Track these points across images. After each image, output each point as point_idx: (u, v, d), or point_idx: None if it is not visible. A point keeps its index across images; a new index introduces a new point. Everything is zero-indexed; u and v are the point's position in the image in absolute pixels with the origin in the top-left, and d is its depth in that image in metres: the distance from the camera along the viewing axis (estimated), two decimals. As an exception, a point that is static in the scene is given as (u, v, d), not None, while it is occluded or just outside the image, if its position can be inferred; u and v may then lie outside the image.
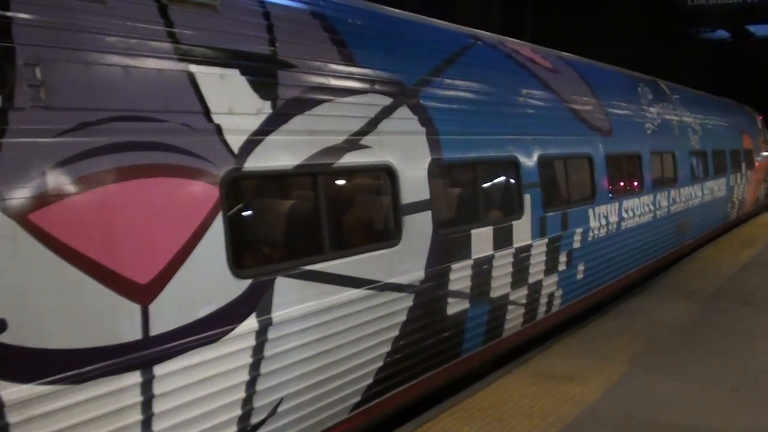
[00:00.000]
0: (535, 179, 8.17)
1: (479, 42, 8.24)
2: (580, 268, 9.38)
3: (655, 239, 12.52)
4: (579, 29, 22.10)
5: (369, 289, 5.68)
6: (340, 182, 6.30)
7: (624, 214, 10.78)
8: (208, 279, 4.40)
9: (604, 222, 9.99)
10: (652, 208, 12.17)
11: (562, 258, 8.84)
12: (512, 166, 7.91)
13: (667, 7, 22.03)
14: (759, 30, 33.96)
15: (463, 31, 8.26)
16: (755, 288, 11.01)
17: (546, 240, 8.33)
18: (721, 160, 17.60)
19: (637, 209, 11.43)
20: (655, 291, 11.06)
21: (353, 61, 5.85)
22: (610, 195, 10.28)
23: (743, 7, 20.51)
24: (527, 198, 7.99)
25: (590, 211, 9.61)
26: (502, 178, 8.16)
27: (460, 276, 6.82)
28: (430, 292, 6.41)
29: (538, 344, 8.33)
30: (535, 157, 8.20)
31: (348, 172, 5.93)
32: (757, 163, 22.61)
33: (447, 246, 6.63)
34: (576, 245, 9.16)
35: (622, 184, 11.25)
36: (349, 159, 5.59)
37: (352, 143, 5.63)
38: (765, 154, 24.72)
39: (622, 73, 13.13)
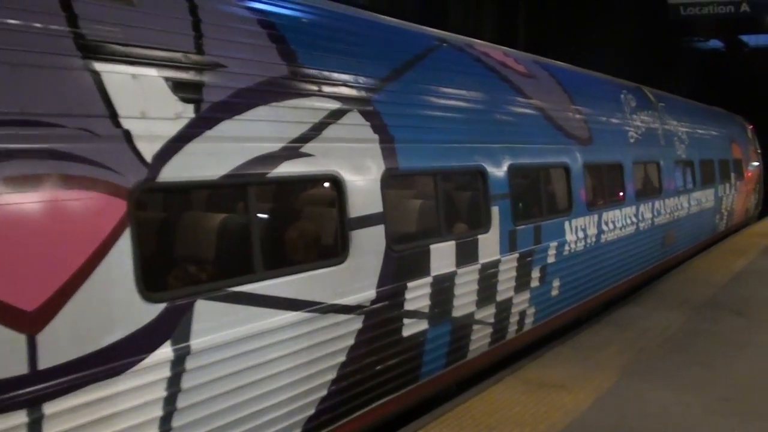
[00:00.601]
0: (505, 190, 7.69)
1: (445, 44, 7.79)
2: (555, 284, 8.93)
3: (639, 252, 12.14)
4: (572, 38, 22.19)
5: (309, 311, 5.18)
6: (276, 194, 5.95)
7: (604, 227, 10.38)
8: (111, 304, 3.89)
9: (581, 235, 9.58)
10: (634, 220, 11.74)
11: (535, 273, 8.39)
12: (478, 176, 7.45)
13: (660, 16, 22.11)
14: (752, 40, 34.19)
15: (427, 32, 7.81)
16: (747, 297, 11.04)
17: (516, 255, 7.89)
18: (709, 170, 17.23)
19: (619, 221, 11.02)
20: (646, 300, 11.08)
21: (295, 60, 5.37)
22: (589, 207, 9.89)
23: (736, 17, 20.60)
24: (495, 210, 7.52)
25: (566, 224, 9.18)
26: (466, 189, 7.79)
27: (417, 295, 6.35)
28: (382, 313, 5.92)
29: (528, 353, 8.34)
30: (504, 167, 7.73)
31: (285, 182, 5.42)
32: (747, 174, 22.36)
33: (402, 263, 6.14)
34: (550, 260, 8.71)
35: (602, 195, 10.81)
36: (287, 168, 5.08)
37: (291, 151, 5.13)
38: (755, 164, 24.35)
39: (604, 80, 12.73)
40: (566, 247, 9.11)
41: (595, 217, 10.07)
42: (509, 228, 7.73)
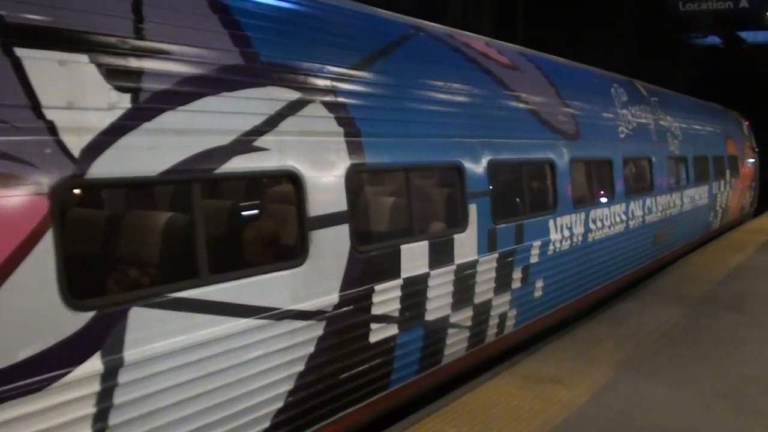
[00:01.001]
0: (484, 187, 7.34)
1: (421, 33, 7.37)
2: (539, 284, 8.54)
3: (629, 251, 11.75)
4: (571, 35, 22.18)
5: (263, 318, 4.80)
6: (225, 191, 5.67)
7: (591, 225, 9.98)
8: (29, 312, 3.53)
9: (567, 234, 9.20)
10: (624, 218, 11.34)
11: (517, 274, 8.01)
12: (455, 173, 7.07)
13: (659, 12, 22.10)
14: (750, 36, 34.18)
15: (402, 20, 7.36)
16: (744, 293, 11.06)
17: (496, 255, 7.52)
18: (702, 166, 16.84)
19: (607, 219, 10.59)
20: (643, 296, 11.10)
21: (249, 47, 5.00)
22: (576, 204, 9.52)
23: (734, 13, 20.57)
24: (473, 208, 7.15)
25: (551, 223, 8.80)
26: (441, 187, 7.49)
27: (386, 298, 5.95)
28: (346, 319, 5.53)
29: (525, 348, 8.35)
30: (483, 163, 7.37)
31: (235, 179, 5.11)
32: (742, 170, 21.87)
33: (369, 265, 5.75)
34: (533, 260, 8.33)
35: (589, 192, 10.48)
36: (238, 163, 4.70)
37: (243, 144, 4.75)
38: (751, 160, 23.90)
39: (593, 73, 12.16)
40: (551, 247, 8.75)
41: (582, 215, 9.71)
42: (489, 227, 7.39)
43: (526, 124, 8.59)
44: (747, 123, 24.36)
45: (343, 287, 5.49)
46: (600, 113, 11.11)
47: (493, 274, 7.55)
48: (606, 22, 24.97)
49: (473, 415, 6.12)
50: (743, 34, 33.54)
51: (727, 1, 19.03)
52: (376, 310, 5.84)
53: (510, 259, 7.85)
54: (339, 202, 5.47)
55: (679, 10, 19.82)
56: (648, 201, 12.59)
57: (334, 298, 5.41)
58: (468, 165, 7.14)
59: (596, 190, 10.60)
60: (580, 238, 9.63)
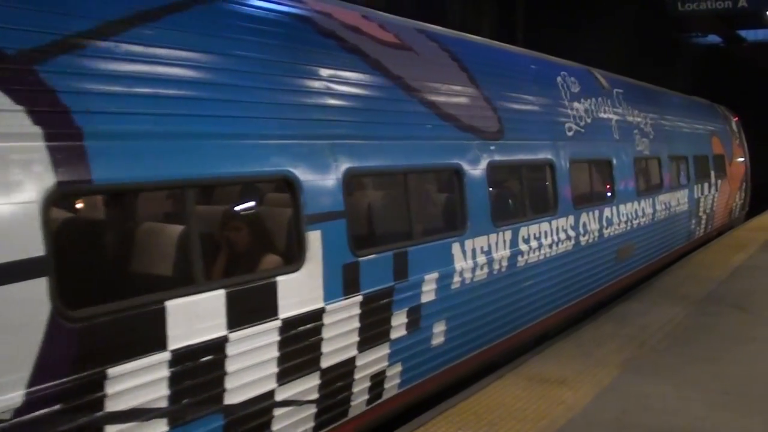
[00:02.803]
0: (336, 206, 5.47)
1: None
2: (438, 328, 6.69)
3: (579, 274, 9.75)
4: (570, 35, 22.21)
5: None
6: None
7: (523, 246, 8.12)
8: None
9: (483, 260, 7.32)
10: (573, 233, 9.41)
11: (399, 319, 6.13)
12: (283, 188, 5.34)
13: (658, 12, 22.15)
14: (750, 35, 34.19)
15: None
16: (747, 292, 11.07)
17: (359, 298, 5.64)
18: (681, 167, 15.16)
19: (547, 237, 8.72)
20: (647, 295, 11.11)
21: None
22: (497, 221, 7.62)
23: (734, 12, 20.61)
24: (315, 237, 5.23)
25: (456, 247, 6.94)
26: (254, 208, 5.76)
27: (136, 384, 4.00)
28: (54, 423, 3.60)
29: (529, 349, 8.37)
30: (335, 173, 5.51)
31: None
32: (730, 171, 19.85)
33: (95, 337, 3.81)
34: (427, 298, 6.49)
35: (520, 204, 8.59)
36: None
37: None
38: (740, 159, 21.70)
39: (530, 58, 10.07)
40: (456, 278, 6.92)
41: (508, 233, 7.85)
42: (344, 260, 5.52)
43: (416, 119, 6.71)
44: (737, 119, 22.30)
45: (35, 380, 3.51)
46: (537, 107, 9.16)
47: (356, 324, 5.64)
48: (605, 22, 24.99)
49: (479, 417, 6.14)
50: (743, 33, 33.54)
51: (726, 1, 19.06)
52: (113, 405, 3.88)
53: (386, 300, 5.97)
54: (23, 247, 3.51)
55: (678, 9, 19.86)
56: (607, 211, 10.70)
57: (14, 398, 3.43)
58: (305, 177, 5.24)
59: (530, 201, 8.68)
60: (505, 264, 7.76)
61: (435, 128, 6.94)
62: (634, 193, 11.94)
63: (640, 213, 12.15)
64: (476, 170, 7.37)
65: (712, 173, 17.67)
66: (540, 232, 8.57)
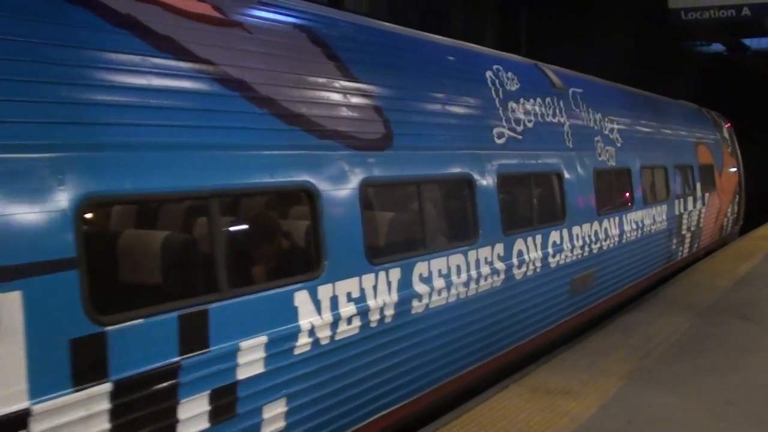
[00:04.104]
0: (64, 252, 3.75)
1: None
2: (272, 412, 4.97)
3: (512, 316, 7.94)
4: (573, 44, 22.25)
5: None
6: None
7: (420, 287, 6.34)
8: None
9: (350, 311, 5.55)
10: (500, 266, 7.56)
11: (195, 407, 4.41)
12: None
13: (662, 21, 22.19)
14: (754, 43, 34.18)
15: None
16: (752, 301, 11.03)
17: (107, 387, 3.90)
18: (658, 180, 13.32)
19: (460, 273, 6.90)
20: (652, 305, 11.08)
21: None
22: (375, 257, 5.90)
23: (737, 20, 20.64)
24: (7, 302, 3.50)
25: (302, 297, 5.15)
26: None
27: None
28: None
29: (535, 359, 8.35)
30: (55, 201, 3.74)
31: None
32: (721, 182, 17.96)
33: None
34: (249, 372, 4.78)
35: (415, 231, 6.75)
36: None
37: None
38: (732, 169, 19.77)
39: (446, 46, 8.13)
40: (302, 341, 5.14)
41: (394, 272, 6.07)
42: (72, 333, 3.77)
43: (236, 121, 4.93)
44: (729, 125, 20.44)
45: None
46: (452, 108, 7.37)
47: (104, 427, 3.90)
48: (609, 31, 25.05)
49: (483, 428, 6.12)
50: (747, 41, 33.55)
51: (729, 9, 19.09)
52: None
53: (165, 384, 4.24)
54: None
55: (681, 19, 19.89)
56: (554, 235, 8.83)
57: None
58: None
59: (433, 228, 7.00)
60: (390, 313, 6.00)
61: (269, 134, 5.13)
62: (594, 212, 10.02)
63: (602, 235, 10.21)
64: (340, 190, 5.61)
65: (698, 185, 15.70)
66: (450, 267, 6.77)
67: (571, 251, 9.22)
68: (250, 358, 4.77)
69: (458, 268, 6.90)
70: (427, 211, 6.88)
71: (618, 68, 20.62)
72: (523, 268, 8.04)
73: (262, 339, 4.84)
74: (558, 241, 8.88)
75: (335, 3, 7.87)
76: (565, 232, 9.09)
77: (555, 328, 9.04)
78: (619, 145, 11.31)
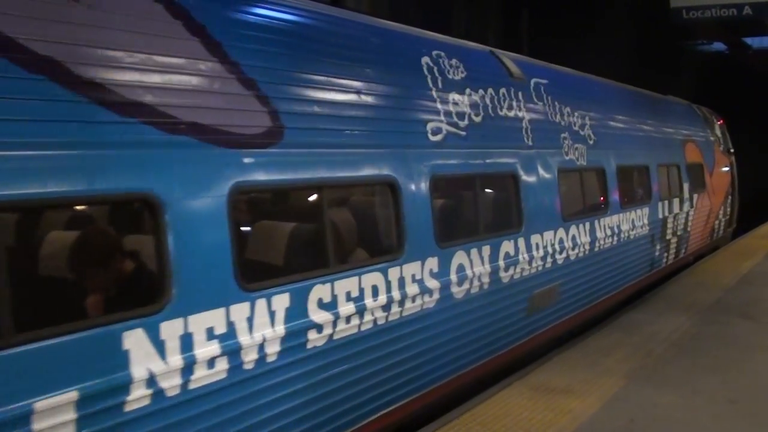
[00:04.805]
0: None
1: None
2: None
3: (446, 343, 6.72)
4: (575, 43, 22.24)
5: None
6: None
7: (318, 315, 5.22)
8: None
9: (212, 351, 4.45)
10: (434, 284, 6.43)
11: None
12: None
13: (663, 20, 22.19)
14: (756, 42, 34.17)
15: None
16: (755, 300, 11.02)
17: None
18: (638, 181, 12.21)
19: (377, 295, 5.78)
20: (654, 304, 11.07)
21: None
22: (251, 281, 4.77)
23: (739, 19, 20.63)
24: None
25: (135, 339, 4.03)
26: None
27: None
28: None
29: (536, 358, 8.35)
30: None
31: None
32: (711, 183, 16.94)
33: None
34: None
35: (313, 247, 5.58)
36: None
37: None
38: (725, 169, 18.68)
39: (372, 26, 6.95)
40: (136, 394, 4.01)
41: (280, 300, 4.93)
42: None
43: (39, 111, 3.80)
44: (721, 122, 19.36)
45: None
46: (368, 99, 6.11)
47: None
48: (610, 30, 25.04)
49: (485, 427, 6.13)
50: (748, 40, 33.53)
51: (730, 8, 19.07)
52: None
53: None
54: None
55: (683, 18, 19.88)
56: (507, 245, 7.67)
57: None
58: None
59: (339, 242, 5.78)
60: (275, 351, 4.91)
61: (87, 128, 3.98)
62: (558, 218, 8.86)
63: (568, 244, 9.05)
64: (201, 199, 4.50)
65: (686, 186, 14.58)
66: (363, 289, 5.63)
67: (530, 263, 8.08)
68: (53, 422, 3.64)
69: (374, 289, 5.76)
70: (332, 221, 5.68)
71: (619, 67, 20.60)
72: (465, 285, 6.92)
73: (73, 395, 3.71)
74: (512, 253, 7.75)
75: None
76: (521, 241, 7.94)
77: (507, 352, 7.81)
78: (591, 142, 10.16)
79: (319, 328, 5.22)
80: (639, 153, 12.23)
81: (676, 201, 13.90)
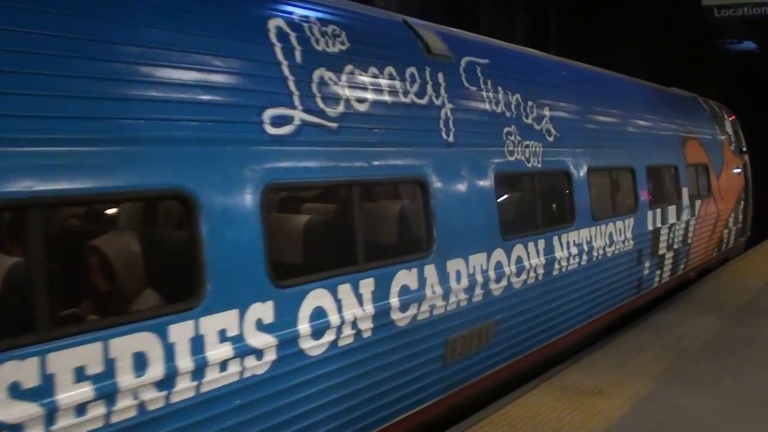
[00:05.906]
0: None
1: None
2: None
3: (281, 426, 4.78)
4: (604, 42, 22.12)
5: None
6: None
7: (63, 394, 3.48)
8: None
9: None
10: (270, 340, 4.57)
11: None
12: None
13: (693, 18, 21.98)
14: (787, 41, 33.68)
15: None
16: (785, 302, 10.93)
17: None
18: (618, 185, 10.24)
19: (139, 371, 3.83)
20: (683, 305, 11.01)
21: None
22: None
23: (769, 18, 20.39)
24: None
25: None
26: None
27: None
28: None
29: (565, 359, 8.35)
30: None
31: None
32: (719, 185, 14.64)
33: None
34: None
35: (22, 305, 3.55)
36: None
37: None
38: (736, 171, 16.30)
39: None
40: None
41: (29, 370, 3.35)
42: None
43: None
44: (733, 117, 16.94)
45: None
46: (156, 73, 4.14)
47: None
48: (639, 29, 24.85)
49: (515, 427, 6.15)
50: (779, 38, 33.07)
51: (762, 7, 18.81)
52: None
53: None
54: None
55: (714, 16, 19.68)
56: (404, 276, 5.76)
57: None
58: None
59: (74, 291, 4.39)
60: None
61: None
62: (496, 236, 6.94)
63: (510, 269, 7.10)
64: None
65: (685, 191, 12.40)
66: (147, 358, 3.87)
67: (445, 297, 6.17)
68: None
69: (141, 361, 3.83)
70: (70, 257, 4.27)
71: (648, 65, 20.44)
72: (325, 338, 4.99)
73: None
74: (414, 286, 5.83)
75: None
76: (430, 270, 6.02)
77: (418, 413, 6.03)
78: (550, 138, 8.17)
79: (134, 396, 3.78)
80: (620, 152, 10.19)
81: (671, 209, 11.68)
